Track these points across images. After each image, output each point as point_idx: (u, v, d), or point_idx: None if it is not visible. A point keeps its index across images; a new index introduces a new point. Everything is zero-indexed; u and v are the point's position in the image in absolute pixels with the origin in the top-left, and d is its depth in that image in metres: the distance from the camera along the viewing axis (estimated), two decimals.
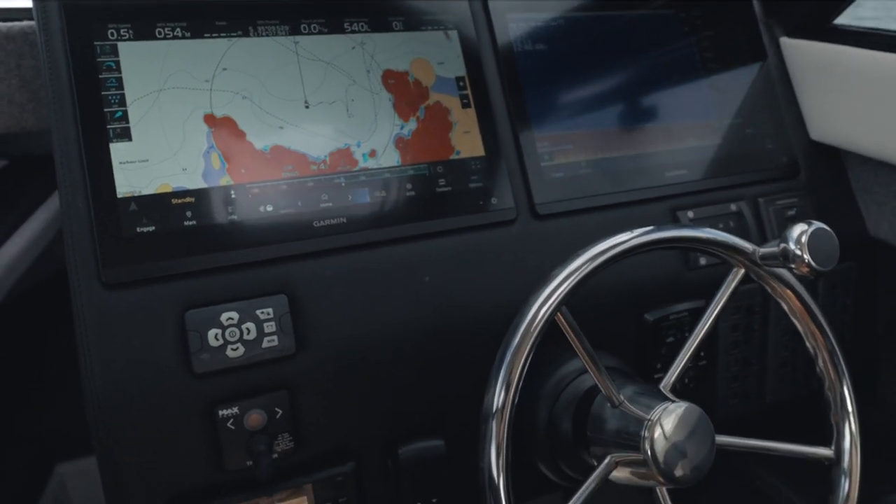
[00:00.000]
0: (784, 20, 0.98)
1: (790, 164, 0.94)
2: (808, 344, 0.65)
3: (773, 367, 0.92)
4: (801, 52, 0.96)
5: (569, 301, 0.56)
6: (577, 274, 0.55)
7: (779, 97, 0.96)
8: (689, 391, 0.86)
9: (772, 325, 0.90)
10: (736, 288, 0.63)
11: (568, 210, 0.79)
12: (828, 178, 0.97)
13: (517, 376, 0.54)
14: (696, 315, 0.84)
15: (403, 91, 0.75)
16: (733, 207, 0.89)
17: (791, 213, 0.92)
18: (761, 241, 0.89)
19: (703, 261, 0.85)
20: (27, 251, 1.59)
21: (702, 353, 0.86)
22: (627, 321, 0.82)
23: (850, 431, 0.63)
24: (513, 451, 0.75)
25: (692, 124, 0.90)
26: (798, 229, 0.56)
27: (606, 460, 0.59)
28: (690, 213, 0.86)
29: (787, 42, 0.97)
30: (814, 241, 0.55)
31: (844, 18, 0.97)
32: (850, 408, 0.63)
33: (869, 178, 0.96)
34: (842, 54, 0.91)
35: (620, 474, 0.61)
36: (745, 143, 0.92)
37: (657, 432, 0.56)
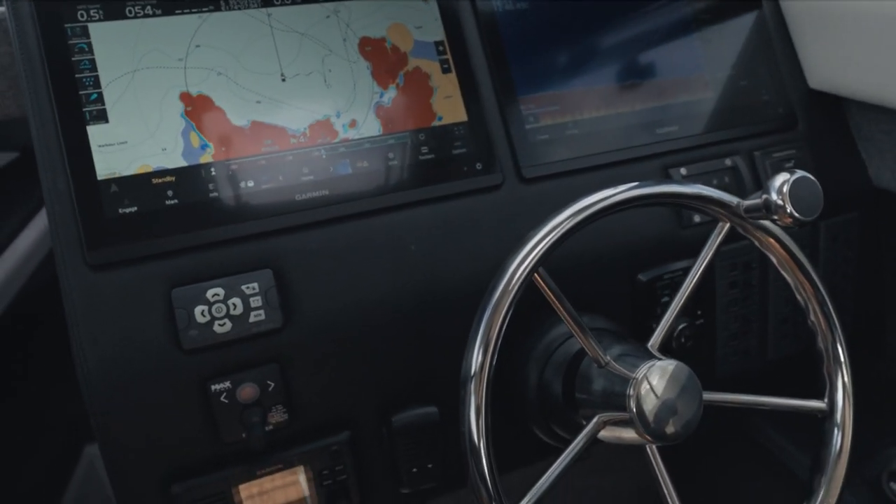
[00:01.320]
0: None
1: (787, 115, 0.91)
2: (798, 296, 0.64)
3: (775, 323, 0.91)
4: None
5: (546, 261, 0.55)
6: (553, 234, 0.54)
7: (775, 46, 0.93)
8: (686, 350, 0.85)
9: (771, 280, 0.89)
10: (722, 242, 0.62)
11: (555, 172, 0.78)
12: (828, 127, 0.94)
13: (494, 338, 0.54)
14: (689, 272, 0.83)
15: (381, 58, 0.74)
16: (728, 162, 0.87)
17: (789, 165, 0.89)
18: None
19: (696, 218, 0.83)
20: (44, 240, 1.62)
21: (699, 312, 0.85)
22: (621, 282, 0.81)
23: (842, 383, 0.63)
24: (507, 417, 0.76)
25: (683, 79, 0.87)
26: (780, 179, 0.54)
27: (594, 420, 0.59)
28: (683, 170, 0.84)
29: None
30: (796, 190, 0.54)
31: None
32: (842, 359, 0.63)
33: (871, 126, 0.93)
34: None
35: (609, 434, 0.61)
36: (739, 96, 0.90)
37: (643, 390, 0.55)
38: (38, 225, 1.67)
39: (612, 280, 0.81)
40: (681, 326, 0.83)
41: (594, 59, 0.84)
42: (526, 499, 0.53)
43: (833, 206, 0.92)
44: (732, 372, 0.89)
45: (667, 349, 0.63)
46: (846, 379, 0.63)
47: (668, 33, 0.88)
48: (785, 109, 0.92)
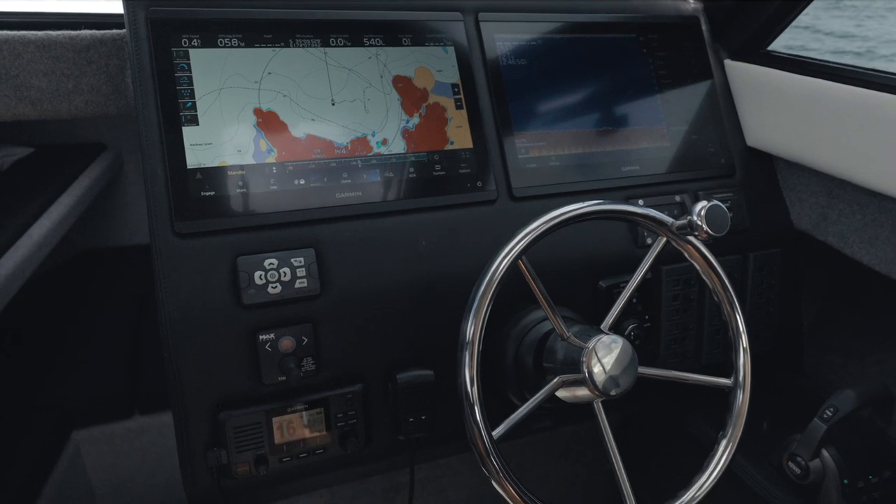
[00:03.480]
0: (728, 44, 1.17)
1: (728, 165, 1.13)
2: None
3: (709, 333, 1.11)
4: (741, 73, 1.15)
5: (526, 253, 0.74)
6: (532, 233, 0.73)
7: (721, 109, 1.15)
8: (636, 348, 1.04)
9: (707, 297, 1.09)
10: (660, 251, 0.81)
11: (539, 194, 0.98)
12: (759, 177, 1.15)
13: (484, 312, 0.72)
14: (643, 283, 1.03)
15: (409, 93, 0.94)
16: (677, 198, 1.07)
17: (727, 205, 1.10)
18: None
19: (649, 240, 1.03)
20: (53, 232, 1.75)
21: (647, 317, 1.05)
22: (585, 287, 1.00)
23: (742, 349, 0.81)
24: (488, 385, 0.93)
25: (646, 129, 1.09)
26: (699, 205, 0.74)
27: (555, 380, 0.77)
28: (641, 202, 1.05)
29: (730, 63, 1.16)
30: (710, 214, 0.74)
31: (779, 45, 1.16)
32: (741, 328, 0.81)
33: (794, 178, 1.15)
34: (773, 76, 1.10)
35: (566, 393, 0.79)
36: (690, 147, 1.11)
37: (593, 357, 0.74)
38: (52, 215, 1.79)
39: (579, 284, 1.00)
40: (631, 325, 1.03)
41: (576, 108, 1.04)
42: (501, 427, 0.71)
43: (760, 241, 1.14)
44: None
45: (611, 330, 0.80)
46: (745, 344, 0.81)
47: (637, 92, 1.09)
48: (726, 160, 1.13)
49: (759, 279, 1.14)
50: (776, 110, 1.10)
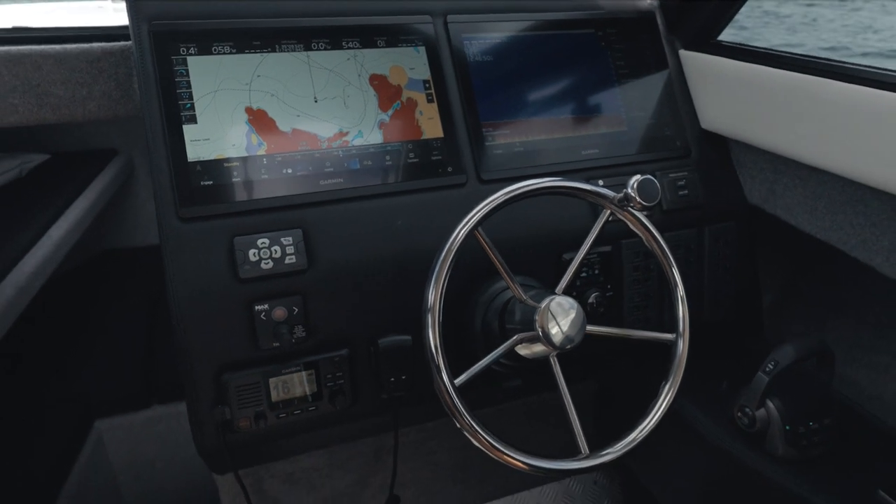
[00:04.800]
0: (682, 36, 1.27)
1: (683, 147, 1.23)
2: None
3: (669, 301, 1.21)
4: (694, 62, 1.25)
5: (484, 224, 0.84)
6: (486, 207, 0.84)
7: (676, 96, 1.25)
8: (600, 316, 1.15)
9: None
10: (605, 222, 0.91)
11: (505, 177, 1.09)
12: (713, 157, 1.25)
13: (443, 279, 0.82)
14: (602, 256, 1.13)
15: (384, 89, 1.05)
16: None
17: (681, 183, 1.20)
18: (657, 205, 1.18)
19: (611, 218, 1.13)
20: (71, 234, 1.88)
21: (609, 286, 1.15)
22: (549, 259, 1.11)
23: (679, 298, 0.91)
24: (460, 351, 1.04)
25: (605, 116, 1.19)
26: (633, 179, 0.84)
27: (514, 337, 0.88)
28: (601, 182, 1.15)
29: (684, 53, 1.26)
30: (642, 187, 0.84)
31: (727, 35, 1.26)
32: (677, 280, 0.91)
33: (745, 157, 1.24)
34: (723, 64, 1.19)
35: (526, 350, 0.90)
36: (647, 131, 1.21)
37: (546, 314, 0.85)
38: (69, 217, 1.91)
39: (544, 258, 1.11)
40: (594, 294, 1.13)
41: (538, 99, 1.15)
42: (463, 375, 0.82)
43: (716, 216, 1.24)
44: None
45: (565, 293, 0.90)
46: (682, 294, 0.91)
47: (596, 82, 1.19)
48: (682, 142, 1.23)
49: (716, 251, 1.23)
50: (727, 95, 1.20)
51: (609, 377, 1.41)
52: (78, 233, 1.95)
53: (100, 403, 1.76)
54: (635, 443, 0.86)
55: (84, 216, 1.99)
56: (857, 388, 1.22)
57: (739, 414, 1.07)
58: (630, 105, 1.21)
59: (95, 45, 1.04)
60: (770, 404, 1.03)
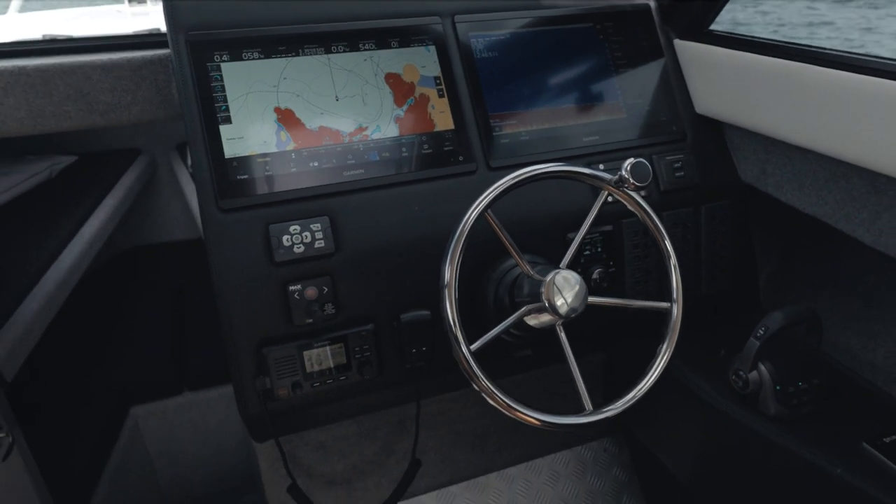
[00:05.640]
0: (676, 26, 1.35)
1: (679, 131, 1.31)
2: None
3: (665, 272, 1.29)
4: (688, 50, 1.33)
5: (493, 207, 0.93)
6: (494, 191, 0.93)
7: (672, 83, 1.33)
8: (603, 290, 1.24)
9: None
10: (603, 202, 1.00)
11: (512, 164, 1.18)
12: (708, 140, 1.33)
13: (458, 256, 0.90)
14: (604, 234, 1.22)
15: (399, 87, 1.14)
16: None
17: (678, 165, 1.29)
18: (654, 186, 1.27)
19: (610, 198, 1.22)
20: (102, 230, 2.00)
21: (611, 263, 1.24)
22: (554, 238, 1.20)
23: (672, 266, 0.99)
24: (475, 324, 1.13)
25: (605, 104, 1.27)
26: (626, 162, 0.93)
27: (522, 308, 0.97)
28: (601, 166, 1.24)
29: (678, 43, 1.34)
30: (634, 169, 0.92)
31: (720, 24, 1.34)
32: (669, 251, 0.99)
33: (738, 139, 1.32)
34: (715, 52, 1.27)
35: (534, 320, 0.99)
36: (645, 117, 1.29)
37: (552, 287, 0.94)
38: (100, 215, 2.02)
39: (551, 237, 1.20)
40: (598, 269, 1.22)
41: (542, 90, 1.24)
42: (478, 342, 0.92)
43: (711, 195, 1.32)
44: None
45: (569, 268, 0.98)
46: (676, 275, 0.99)
47: (595, 73, 1.28)
48: (678, 127, 1.31)
49: (712, 228, 1.32)
50: (719, 81, 1.27)
51: (615, 350, 1.50)
52: (109, 229, 2.07)
53: (134, 391, 1.87)
54: (635, 399, 0.95)
55: (113, 214, 2.11)
56: (850, 354, 1.30)
57: (734, 377, 1.16)
58: (628, 93, 1.29)
59: (138, 54, 1.15)
60: (762, 367, 1.12)
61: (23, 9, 3.78)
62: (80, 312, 1.93)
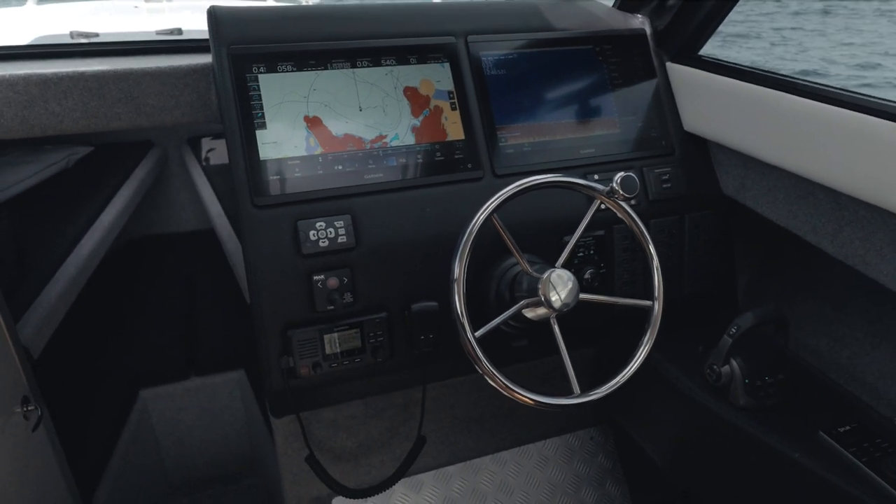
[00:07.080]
0: (668, 50, 1.48)
1: (668, 146, 1.44)
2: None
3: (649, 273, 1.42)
4: (679, 73, 1.45)
5: (498, 211, 1.05)
6: (500, 198, 1.05)
7: (663, 101, 1.46)
8: (594, 289, 1.36)
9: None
10: (596, 210, 1.12)
11: (516, 172, 1.30)
12: (694, 155, 1.46)
13: (466, 254, 1.03)
14: (597, 238, 1.35)
15: (415, 99, 1.26)
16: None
17: (665, 177, 1.41)
18: (643, 196, 1.40)
19: (602, 207, 1.35)
20: (119, 218, 2.11)
21: (602, 265, 1.37)
22: (552, 241, 1.32)
23: (655, 267, 1.12)
24: (479, 317, 1.26)
25: (601, 119, 1.40)
26: (617, 175, 1.06)
27: (521, 302, 1.10)
28: (596, 177, 1.36)
29: (670, 65, 1.47)
30: (624, 182, 1.05)
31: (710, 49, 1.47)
32: (652, 253, 1.11)
33: (721, 155, 1.45)
34: (702, 76, 1.40)
35: (531, 313, 1.12)
36: (637, 132, 1.42)
37: (548, 284, 1.06)
38: (116, 204, 2.14)
39: (549, 240, 1.32)
40: (590, 270, 1.35)
41: (544, 106, 1.36)
42: (481, 330, 1.04)
43: (695, 205, 1.44)
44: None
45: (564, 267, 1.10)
46: (657, 262, 1.10)
47: (593, 91, 1.40)
48: (666, 142, 1.44)
49: (695, 235, 1.45)
50: (706, 102, 1.40)
51: (603, 345, 1.63)
52: (124, 218, 2.18)
53: (144, 375, 1.97)
54: (617, 385, 1.08)
55: (128, 203, 2.22)
56: (818, 355, 1.43)
57: (708, 371, 1.28)
58: (622, 110, 1.42)
59: (183, 63, 1.27)
60: (733, 362, 1.24)
61: (40, 1, 3.89)
62: (95, 298, 2.02)
